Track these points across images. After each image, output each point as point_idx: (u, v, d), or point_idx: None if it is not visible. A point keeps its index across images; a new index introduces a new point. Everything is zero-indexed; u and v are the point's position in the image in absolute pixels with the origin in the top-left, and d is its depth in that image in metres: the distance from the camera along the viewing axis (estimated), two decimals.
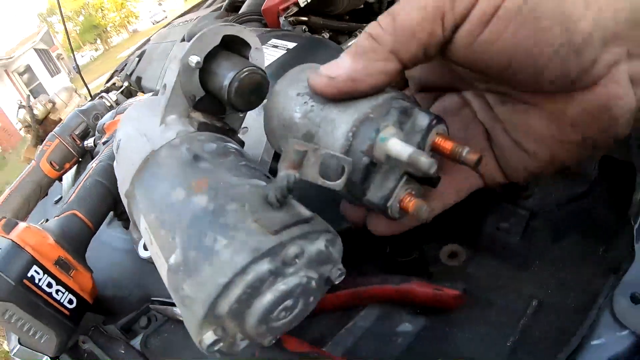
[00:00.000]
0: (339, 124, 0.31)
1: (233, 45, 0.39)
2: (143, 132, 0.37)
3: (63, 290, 0.53)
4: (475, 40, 0.28)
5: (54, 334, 0.53)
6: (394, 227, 0.36)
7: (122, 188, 0.37)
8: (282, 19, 0.94)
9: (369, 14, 1.04)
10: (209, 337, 0.27)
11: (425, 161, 0.27)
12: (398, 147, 0.28)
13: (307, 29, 0.93)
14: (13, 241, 0.52)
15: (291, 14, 0.94)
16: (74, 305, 0.54)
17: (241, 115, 0.42)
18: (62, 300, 0.53)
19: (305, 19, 0.92)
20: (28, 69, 18.15)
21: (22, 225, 0.54)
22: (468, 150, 0.29)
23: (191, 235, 0.28)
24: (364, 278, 0.47)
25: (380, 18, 0.31)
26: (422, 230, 0.37)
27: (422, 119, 0.30)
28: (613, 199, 0.45)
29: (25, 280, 0.50)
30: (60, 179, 1.06)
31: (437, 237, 0.50)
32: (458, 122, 0.37)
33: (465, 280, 0.45)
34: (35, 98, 1.98)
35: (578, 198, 0.47)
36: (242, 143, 0.41)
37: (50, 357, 0.60)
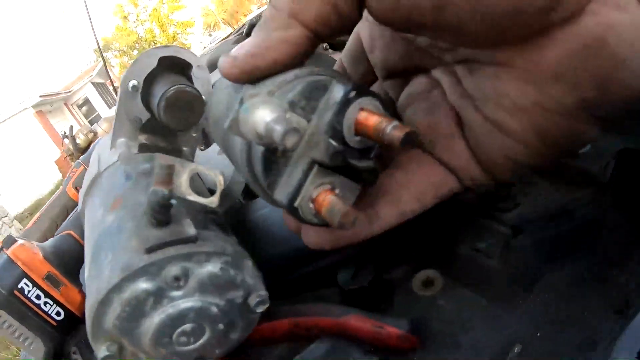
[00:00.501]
0: (235, 105, 0.25)
1: (178, 67, 0.40)
2: (98, 155, 0.41)
3: (51, 302, 0.57)
4: None
5: (41, 342, 0.57)
6: (324, 237, 0.29)
7: (79, 206, 0.40)
8: None
9: None
10: (102, 351, 0.27)
11: (277, 129, 0.21)
12: (258, 116, 0.22)
13: (327, 47, 0.94)
14: (8, 256, 0.57)
15: None
16: (62, 317, 0.58)
17: (194, 134, 0.44)
18: (49, 312, 0.57)
19: None
20: (86, 101, 19.09)
21: (18, 242, 0.59)
22: (394, 125, 0.22)
23: (95, 250, 0.29)
24: (305, 306, 0.40)
25: None
26: (385, 250, 0.33)
27: (337, 91, 0.24)
28: (626, 209, 0.35)
29: (15, 291, 0.55)
30: None
31: (411, 259, 0.42)
32: (425, 106, 0.30)
33: (434, 313, 0.38)
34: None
35: (576, 207, 0.36)
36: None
37: None
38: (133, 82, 0.37)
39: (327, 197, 0.24)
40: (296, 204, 0.25)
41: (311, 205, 0.25)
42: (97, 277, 0.27)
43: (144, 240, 0.26)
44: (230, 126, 0.23)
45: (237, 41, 1.29)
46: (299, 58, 0.26)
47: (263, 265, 0.31)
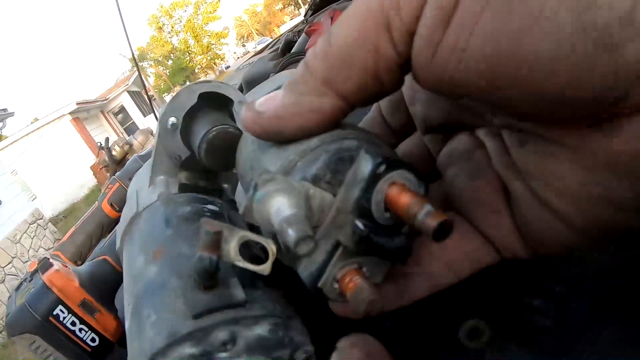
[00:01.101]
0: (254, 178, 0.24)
1: (224, 102, 0.39)
2: (137, 191, 0.40)
3: (86, 329, 0.57)
4: (437, 50, 0.19)
5: None
6: (348, 309, 0.27)
7: (117, 244, 0.40)
8: None
9: None
10: None
11: (290, 234, 0.19)
12: (273, 210, 0.21)
13: None
14: (43, 282, 0.57)
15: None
16: (97, 343, 0.58)
17: (234, 171, 0.43)
18: (84, 338, 0.57)
19: None
20: (122, 109, 19.58)
21: (53, 268, 0.60)
22: (428, 210, 0.19)
23: (137, 305, 0.28)
24: None
25: (319, 40, 0.23)
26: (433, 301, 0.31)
27: (365, 164, 0.21)
28: None
29: (51, 318, 0.55)
30: None
31: (458, 307, 0.37)
32: (468, 169, 0.27)
33: None
34: (129, 136, 2.14)
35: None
36: (232, 202, 0.42)
37: None
38: (172, 120, 0.36)
39: (353, 279, 0.22)
40: (320, 284, 0.23)
41: (336, 286, 0.23)
42: (139, 335, 0.26)
43: (191, 304, 0.25)
44: (244, 214, 0.22)
45: (273, 58, 1.29)
46: (328, 128, 0.24)
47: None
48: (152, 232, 0.33)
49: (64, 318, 0.56)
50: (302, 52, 1.11)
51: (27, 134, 13.99)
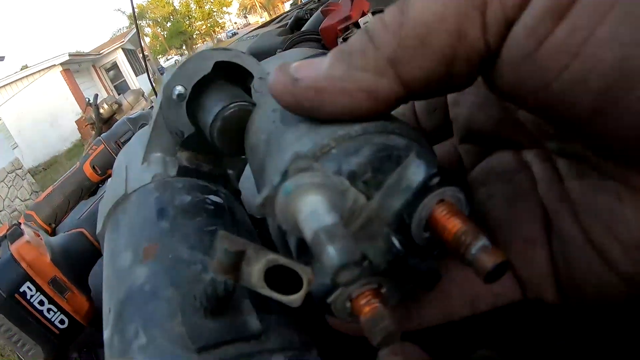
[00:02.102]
0: (282, 157, 0.20)
1: (237, 75, 0.33)
2: (126, 167, 0.34)
3: (55, 309, 0.52)
4: (539, 48, 0.15)
5: (40, 350, 0.52)
6: (352, 327, 0.24)
7: (98, 227, 0.34)
8: (339, 40, 0.92)
9: None
10: None
11: (331, 255, 0.15)
12: (306, 211, 0.16)
13: None
14: (11, 254, 0.51)
15: (350, 35, 0.92)
16: (65, 325, 0.53)
17: (243, 157, 0.37)
18: (53, 320, 0.52)
19: None
20: (114, 66, 19.28)
21: (24, 238, 0.53)
22: (483, 244, 0.16)
23: (120, 315, 0.23)
24: None
25: (388, 9, 0.19)
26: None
27: (415, 172, 0.18)
28: None
29: (16, 295, 0.50)
30: (102, 183, 1.07)
31: (472, 335, 0.34)
32: (506, 192, 0.23)
33: None
34: (119, 94, 2.06)
35: None
36: (237, 192, 0.36)
37: None
38: (179, 89, 0.30)
39: (370, 301, 0.18)
40: (330, 299, 0.19)
41: (348, 305, 0.19)
42: (121, 357, 0.21)
43: (194, 332, 0.20)
44: (263, 204, 0.17)
45: (281, 33, 1.23)
46: (375, 115, 0.20)
47: None
48: (143, 223, 0.28)
49: (32, 296, 0.50)
50: (313, 31, 1.06)
51: (14, 81, 13.70)
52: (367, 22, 0.92)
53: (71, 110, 13.53)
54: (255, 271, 0.17)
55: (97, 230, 0.33)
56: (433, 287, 0.20)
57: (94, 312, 0.57)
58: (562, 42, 0.15)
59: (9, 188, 7.72)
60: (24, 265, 0.50)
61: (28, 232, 0.55)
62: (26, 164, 9.77)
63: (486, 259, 0.16)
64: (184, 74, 0.31)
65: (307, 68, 0.20)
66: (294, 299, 0.18)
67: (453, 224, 0.17)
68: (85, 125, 1.92)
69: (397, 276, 0.19)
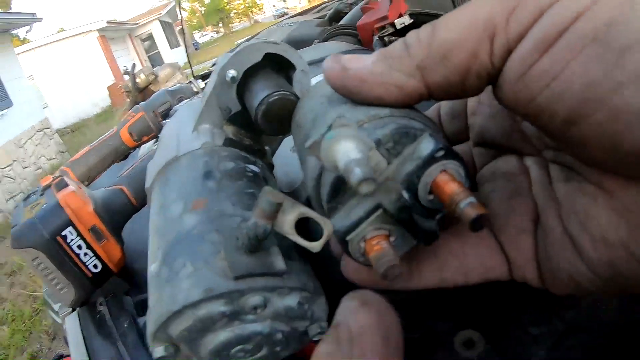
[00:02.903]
0: (323, 123, 0.25)
1: (282, 65, 0.39)
2: (177, 134, 0.39)
3: (91, 254, 0.57)
4: (528, 71, 0.21)
5: (73, 289, 0.58)
6: (362, 274, 0.29)
7: (147, 182, 0.39)
8: (375, 38, 0.94)
9: None
10: (159, 350, 0.27)
11: (357, 173, 0.20)
12: (342, 150, 0.21)
13: None
14: (57, 201, 0.56)
15: (386, 33, 0.94)
16: (98, 270, 0.58)
17: (280, 136, 0.42)
18: (87, 263, 0.57)
19: None
20: (150, 37, 19.45)
21: (69, 188, 0.59)
22: (470, 201, 0.21)
23: (170, 252, 0.28)
24: None
25: (423, 27, 0.24)
26: (430, 303, 0.32)
27: (426, 146, 0.23)
28: None
29: (58, 237, 0.55)
30: (139, 148, 1.13)
31: (453, 316, 0.41)
32: (506, 188, 0.28)
33: None
34: (151, 65, 2.11)
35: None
36: (271, 166, 0.41)
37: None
38: (232, 73, 0.36)
39: (380, 242, 0.23)
40: (348, 237, 0.24)
41: (362, 244, 0.24)
42: (170, 283, 0.26)
43: (233, 265, 0.25)
44: (312, 146, 0.23)
45: (320, 24, 1.27)
46: (402, 105, 0.26)
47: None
48: (193, 181, 0.33)
49: (72, 240, 0.56)
50: (351, 26, 1.09)
51: (51, 42, 13.90)
52: (402, 23, 0.95)
53: (104, 77, 13.72)
54: (288, 220, 0.23)
55: (146, 185, 0.38)
56: (431, 244, 0.24)
57: (124, 262, 0.62)
58: (545, 68, 0.20)
59: (36, 146, 7.86)
60: (68, 211, 0.56)
61: (72, 184, 0.61)
62: (55, 124, 9.93)
63: (471, 211, 0.21)
64: (237, 60, 0.36)
65: (356, 61, 0.26)
66: (315, 245, 0.24)
67: (450, 188, 0.22)
68: (121, 93, 1.98)
69: (406, 226, 0.24)
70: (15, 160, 7.02)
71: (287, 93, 0.34)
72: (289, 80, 0.39)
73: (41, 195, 0.63)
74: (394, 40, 0.94)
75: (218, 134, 0.38)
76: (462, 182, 0.23)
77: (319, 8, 1.96)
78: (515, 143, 0.29)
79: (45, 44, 13.79)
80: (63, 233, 0.55)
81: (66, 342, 0.82)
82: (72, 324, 0.65)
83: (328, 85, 0.28)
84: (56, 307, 0.78)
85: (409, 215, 0.23)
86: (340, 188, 0.24)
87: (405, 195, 0.23)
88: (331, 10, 1.38)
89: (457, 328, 0.39)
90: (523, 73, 0.21)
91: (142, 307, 0.62)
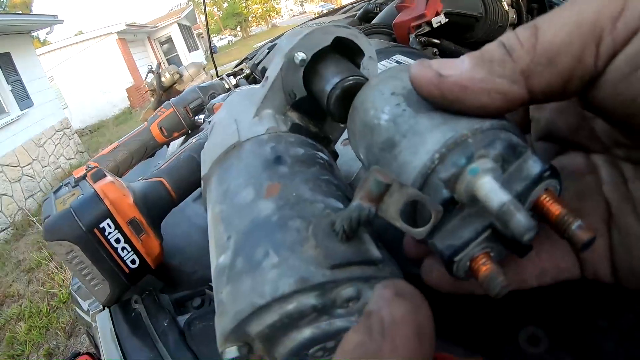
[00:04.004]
0: (427, 140, 0.24)
1: (346, 51, 0.36)
2: (235, 120, 0.36)
3: (129, 249, 0.55)
4: (635, 72, 0.21)
5: (108, 286, 0.55)
6: (446, 280, 0.28)
7: (203, 170, 0.36)
8: (411, 36, 0.93)
9: None
10: (231, 351, 0.24)
11: (522, 221, 0.20)
12: (489, 188, 0.21)
13: (437, 53, 0.92)
14: (95, 191, 0.54)
15: (422, 32, 0.93)
16: (136, 265, 0.56)
17: (342, 125, 0.39)
18: (125, 258, 0.55)
19: (437, 41, 0.90)
20: (169, 40, 19.66)
21: (107, 179, 0.56)
22: (580, 224, 0.22)
23: (245, 241, 0.26)
24: None
25: (522, 28, 0.24)
26: (491, 301, 0.30)
27: (533, 165, 0.23)
28: None
29: (95, 230, 0.52)
30: (167, 145, 1.11)
31: (516, 311, 0.39)
32: (576, 189, 0.28)
33: None
34: (165, 65, 2.11)
35: None
36: (335, 155, 0.39)
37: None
38: (302, 56, 0.34)
39: (486, 262, 0.23)
40: (457, 258, 0.23)
41: (467, 264, 0.24)
42: (251, 275, 0.23)
43: (329, 253, 0.23)
44: (448, 180, 0.22)
45: (351, 23, 1.25)
46: (503, 113, 0.25)
47: None
48: (262, 166, 0.30)
49: (110, 233, 0.53)
50: (386, 25, 1.07)
51: (71, 44, 14.09)
52: (439, 21, 0.93)
53: (123, 78, 13.87)
54: (393, 203, 0.21)
55: (203, 173, 0.35)
56: (525, 255, 0.24)
57: (162, 258, 0.60)
58: None
59: (55, 145, 7.95)
60: (107, 202, 0.53)
61: (110, 175, 0.59)
62: (74, 125, 10.03)
63: (583, 234, 0.21)
64: (306, 43, 0.34)
65: (450, 67, 0.24)
66: (421, 231, 0.23)
67: (556, 208, 0.22)
68: (145, 91, 1.98)
69: (504, 243, 0.24)
70: (35, 159, 7.10)
71: (362, 78, 0.32)
72: (356, 67, 0.37)
73: (74, 186, 0.61)
74: (425, 40, 0.93)
75: (282, 120, 0.36)
76: (565, 203, 0.23)
77: (345, 9, 1.95)
78: (583, 140, 0.28)
79: (65, 46, 13.99)
80: (101, 225, 0.53)
81: (92, 342, 0.80)
82: (104, 323, 0.62)
83: (397, 82, 0.28)
84: (85, 305, 0.76)
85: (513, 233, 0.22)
86: (447, 209, 0.23)
87: (522, 221, 0.22)
88: (361, 11, 1.36)
89: (520, 324, 0.38)
90: (628, 74, 0.21)
91: (179, 306, 0.60)
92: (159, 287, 0.63)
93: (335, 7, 2.30)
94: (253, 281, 0.23)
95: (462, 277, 0.24)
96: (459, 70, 0.24)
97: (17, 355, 3.01)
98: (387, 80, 0.29)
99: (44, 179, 7.12)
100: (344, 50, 0.36)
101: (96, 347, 0.80)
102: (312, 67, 0.35)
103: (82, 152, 8.73)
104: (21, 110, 7.23)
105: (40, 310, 3.38)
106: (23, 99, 7.40)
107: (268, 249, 0.24)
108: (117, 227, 0.53)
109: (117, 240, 0.54)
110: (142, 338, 0.55)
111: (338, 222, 0.23)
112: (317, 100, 0.35)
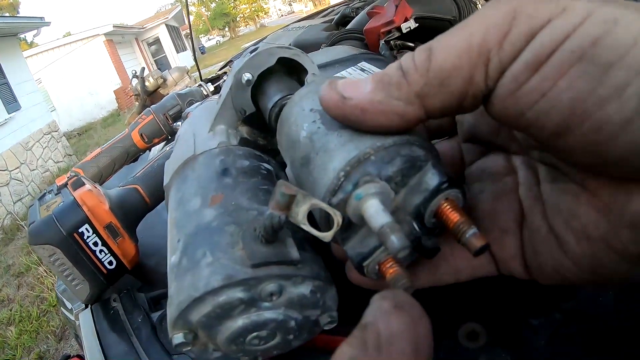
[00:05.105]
0: (334, 158, 0.26)
1: (293, 68, 0.41)
2: (194, 134, 0.41)
3: (106, 251, 0.59)
4: (519, 89, 0.22)
5: (88, 285, 0.60)
6: (366, 281, 0.30)
7: (165, 180, 0.41)
8: (381, 42, 0.95)
9: None
10: (178, 337, 0.28)
11: (395, 242, 0.22)
12: (371, 211, 0.24)
13: None
14: (74, 199, 0.58)
15: (392, 38, 0.95)
16: (113, 267, 0.60)
17: None
18: (103, 260, 0.59)
19: (411, 44, 0.93)
20: (157, 41, 19.56)
21: (86, 187, 0.61)
22: (474, 232, 0.24)
23: (189, 243, 0.30)
24: None
25: (419, 50, 0.25)
26: (434, 298, 0.33)
27: (431, 178, 0.25)
28: None
29: (75, 234, 0.57)
30: (149, 150, 1.15)
31: (456, 309, 0.43)
32: (493, 189, 0.30)
33: None
34: (158, 69, 2.14)
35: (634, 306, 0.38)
36: (283, 164, 0.43)
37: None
38: (248, 76, 0.38)
39: (392, 265, 0.26)
40: (365, 263, 0.26)
41: (376, 267, 0.27)
42: (191, 272, 0.28)
43: (251, 254, 0.27)
44: (338, 204, 0.25)
45: (327, 29, 1.29)
46: (403, 131, 0.26)
47: None
48: (210, 178, 0.34)
49: (88, 237, 0.57)
50: (358, 30, 1.11)
51: (58, 46, 14.01)
52: (408, 27, 0.96)
53: (110, 80, 13.80)
54: (301, 211, 0.25)
55: (165, 183, 0.40)
56: (433, 257, 0.28)
57: (138, 259, 0.64)
58: (534, 86, 0.21)
59: (43, 149, 7.90)
60: (85, 209, 0.58)
61: (88, 183, 0.63)
62: (62, 127, 9.97)
63: (475, 242, 0.24)
64: (252, 64, 0.39)
65: (353, 89, 0.26)
66: (326, 235, 0.26)
67: (454, 216, 0.25)
68: (130, 96, 2.01)
69: (413, 248, 0.27)
70: (23, 163, 7.06)
71: None
72: (301, 83, 0.41)
73: (57, 194, 0.65)
74: (399, 44, 0.96)
75: (233, 134, 0.40)
76: (461, 206, 0.26)
77: (325, 12, 1.98)
78: (504, 142, 0.31)
79: (52, 48, 13.90)
80: (80, 230, 0.57)
81: (78, 340, 0.84)
82: (85, 320, 0.67)
83: (316, 97, 0.29)
84: (69, 305, 0.80)
85: (417, 239, 0.26)
86: (352, 224, 0.26)
87: (415, 225, 0.26)
88: (338, 15, 1.40)
89: (460, 321, 0.41)
90: (514, 91, 0.22)
91: (154, 303, 0.64)
92: (136, 286, 0.67)
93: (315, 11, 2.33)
94: (192, 277, 0.28)
95: (375, 278, 0.27)
96: (361, 93, 0.26)
97: None
98: (308, 95, 0.32)
99: (32, 182, 7.09)
100: (291, 68, 0.41)
101: (80, 344, 0.84)
102: (260, 85, 0.39)
103: (71, 155, 8.68)
104: (8, 113, 7.19)
105: (31, 315, 3.38)
106: (10, 102, 7.36)
107: (206, 250, 0.28)
108: (95, 231, 0.58)
109: (95, 244, 0.58)
110: (119, 333, 0.59)
111: (258, 228, 0.28)
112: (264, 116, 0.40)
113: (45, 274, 3.70)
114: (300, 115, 0.31)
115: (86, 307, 0.70)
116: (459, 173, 0.34)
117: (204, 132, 0.40)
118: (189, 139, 0.41)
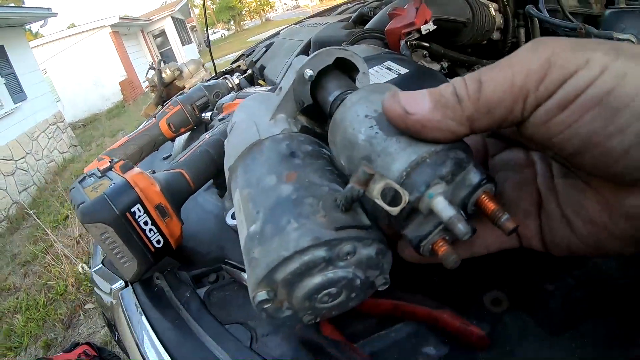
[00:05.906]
0: (396, 160, 0.32)
1: (344, 66, 0.45)
2: (254, 122, 0.45)
3: (155, 231, 0.63)
4: (550, 121, 0.28)
5: (136, 263, 0.63)
6: (416, 256, 0.38)
7: (227, 162, 0.45)
8: (402, 43, 0.99)
9: (491, 50, 1.08)
10: (261, 295, 0.33)
11: (461, 229, 0.30)
12: (441, 206, 0.30)
13: (427, 55, 0.97)
14: (127, 180, 0.63)
15: (412, 39, 0.98)
16: (161, 245, 0.64)
17: None
18: (152, 239, 0.63)
19: (426, 44, 0.96)
20: (162, 33, 19.52)
21: (136, 170, 0.65)
22: (507, 217, 0.31)
23: (272, 213, 0.34)
24: (405, 294, 0.48)
25: (469, 79, 0.31)
26: (464, 271, 0.38)
27: (474, 176, 0.32)
28: None
29: (127, 213, 0.61)
30: (173, 140, 1.19)
31: (481, 280, 0.48)
32: (516, 179, 0.38)
33: (499, 327, 0.44)
34: (164, 62, 2.16)
35: None
36: None
37: (125, 282, 0.74)
38: (310, 72, 0.43)
39: (443, 245, 0.33)
40: (422, 243, 0.33)
41: (430, 247, 0.33)
42: (278, 236, 0.32)
43: (333, 219, 0.32)
44: (413, 201, 0.31)
45: (346, 27, 1.32)
46: (452, 142, 0.33)
47: None
48: (280, 159, 0.39)
49: (139, 217, 0.62)
50: (378, 30, 1.14)
51: (64, 37, 13.99)
52: (427, 29, 0.98)
53: (116, 72, 13.81)
54: (377, 187, 0.30)
55: (229, 165, 0.44)
56: (471, 237, 0.32)
57: (181, 239, 0.68)
58: (562, 120, 0.28)
59: (49, 139, 7.91)
60: (137, 190, 0.62)
61: (137, 168, 0.67)
62: (67, 118, 9.99)
63: (508, 225, 0.31)
64: (314, 62, 0.44)
65: (414, 104, 0.32)
66: (395, 209, 0.31)
67: (491, 205, 0.32)
68: (147, 87, 2.04)
69: None
70: (28, 153, 7.07)
71: None
72: (352, 80, 0.46)
73: (100, 177, 0.69)
74: (415, 44, 0.99)
75: (293, 123, 0.45)
76: (497, 201, 0.32)
77: (339, 10, 2.01)
78: (525, 141, 0.38)
79: (58, 39, 13.88)
80: (132, 210, 0.61)
81: (108, 322, 0.87)
82: (128, 298, 0.71)
83: (369, 104, 0.36)
84: (106, 285, 0.83)
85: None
86: (414, 211, 0.32)
87: (462, 213, 0.32)
88: (355, 14, 1.43)
89: (485, 289, 0.47)
90: (546, 122, 0.29)
91: (196, 281, 0.68)
92: (176, 267, 0.71)
93: (329, 7, 2.36)
94: (280, 240, 0.32)
95: (427, 255, 0.34)
96: (421, 109, 0.32)
97: (15, 347, 3.03)
98: (360, 102, 0.37)
99: (38, 172, 7.10)
100: (343, 66, 0.46)
101: (110, 325, 0.87)
102: (318, 81, 0.44)
103: (76, 146, 8.70)
104: (15, 103, 7.20)
105: (37, 303, 3.39)
106: (16, 92, 7.37)
107: (290, 218, 0.33)
108: (146, 211, 0.62)
109: (146, 223, 0.62)
110: (164, 308, 0.63)
111: (339, 198, 0.33)
112: (321, 107, 0.44)
113: (53, 262, 3.72)
114: (356, 120, 0.36)
115: (126, 285, 0.74)
116: (482, 162, 0.41)
117: (265, 120, 0.45)
118: (251, 126, 0.45)
